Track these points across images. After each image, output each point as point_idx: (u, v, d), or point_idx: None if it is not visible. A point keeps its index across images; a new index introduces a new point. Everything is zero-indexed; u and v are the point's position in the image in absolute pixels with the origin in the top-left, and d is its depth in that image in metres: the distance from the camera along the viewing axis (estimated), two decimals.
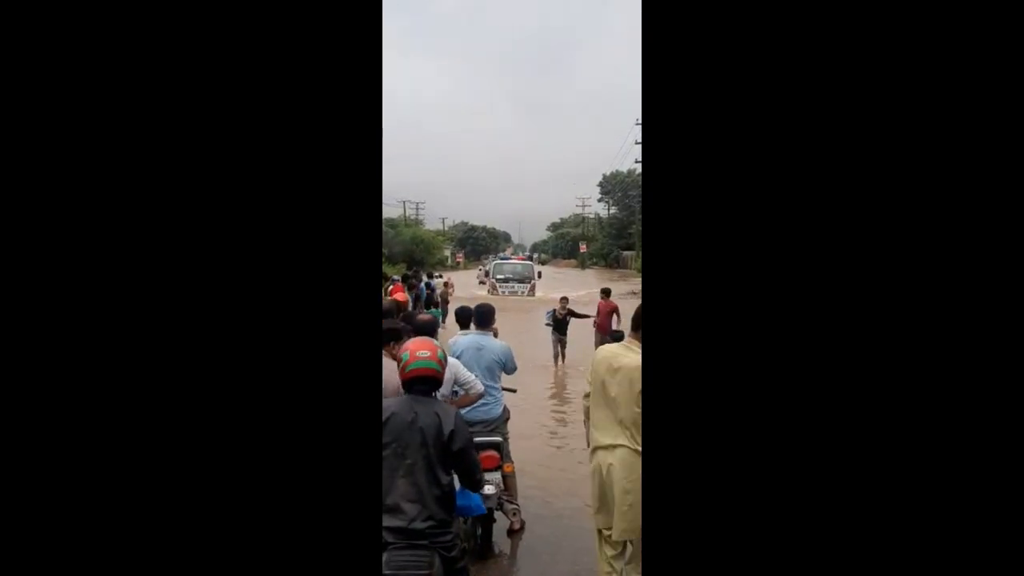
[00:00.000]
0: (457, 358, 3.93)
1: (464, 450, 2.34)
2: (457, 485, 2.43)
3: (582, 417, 7.18)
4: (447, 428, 2.29)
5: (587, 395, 2.73)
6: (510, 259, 30.16)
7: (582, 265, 48.61)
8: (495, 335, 4.36)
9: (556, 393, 8.63)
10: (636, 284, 27.21)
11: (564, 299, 10.43)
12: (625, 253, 45.66)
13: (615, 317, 9.74)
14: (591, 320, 10.10)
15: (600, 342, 9.48)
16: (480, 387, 3.53)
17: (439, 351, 2.49)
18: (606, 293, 10.40)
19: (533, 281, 25.21)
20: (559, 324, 9.96)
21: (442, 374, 2.49)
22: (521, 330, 12.68)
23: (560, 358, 10.06)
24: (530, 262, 28.75)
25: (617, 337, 8.88)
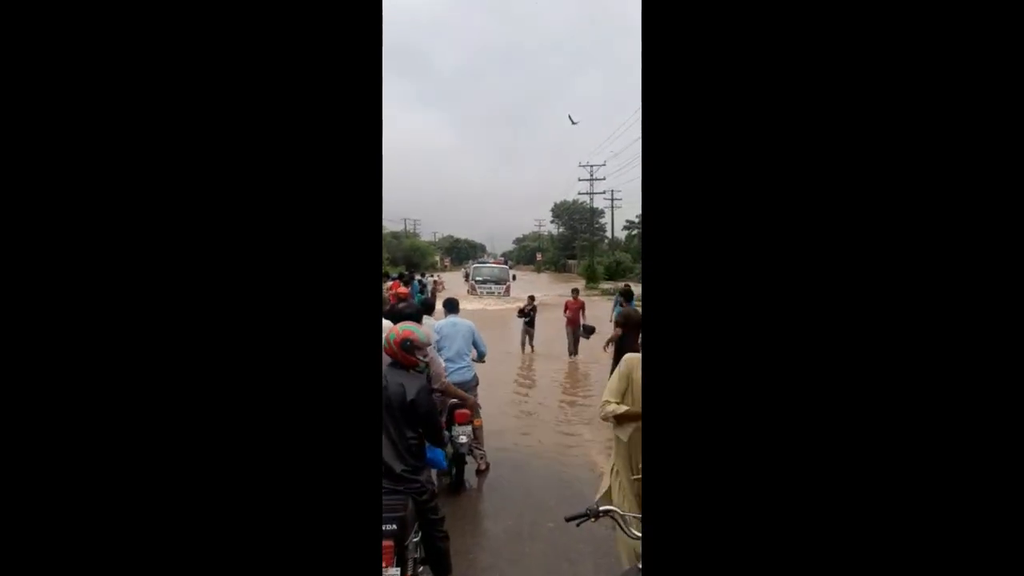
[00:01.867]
0: (438, 332, 4.09)
1: (425, 414, 2.25)
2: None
3: (540, 395, 6.67)
4: (408, 397, 2.21)
5: (608, 402, 2.11)
6: (488, 263, 26.37)
7: (538, 270, 48.65)
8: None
9: (521, 375, 8.16)
10: (580, 283, 27.48)
11: (531, 297, 10.21)
12: (570, 261, 46.17)
13: (582, 313, 9.24)
14: (563, 315, 9.46)
15: (571, 336, 9.09)
16: (441, 369, 3.49)
17: (418, 333, 2.39)
18: (575, 292, 9.93)
19: (508, 283, 22.04)
20: (528, 318, 9.69)
21: (418, 344, 2.33)
22: (496, 326, 12.55)
23: (528, 346, 9.67)
24: (506, 266, 24.79)
25: (589, 330, 8.61)
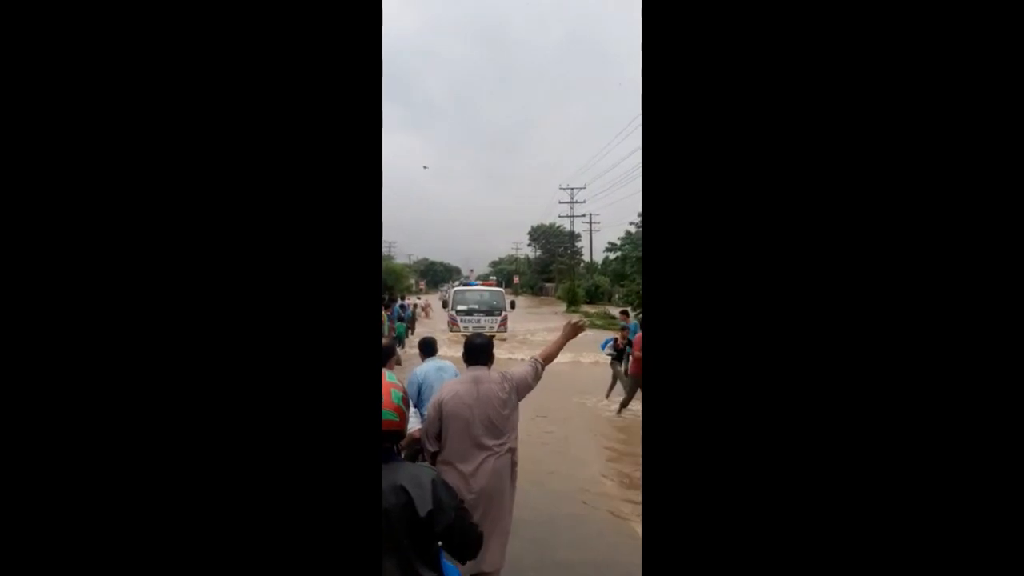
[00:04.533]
0: (419, 380, 3.15)
1: (453, 527, 1.27)
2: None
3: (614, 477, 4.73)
4: (423, 507, 1.23)
5: None
6: (475, 285, 17.33)
7: (516, 293, 48.30)
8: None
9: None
10: (560, 307, 26.94)
11: (626, 329, 7.61)
12: (547, 285, 46.06)
13: None
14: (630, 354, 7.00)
15: (634, 384, 6.55)
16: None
17: (393, 391, 1.38)
18: (639, 321, 7.41)
19: (504, 312, 14.95)
20: (620, 353, 7.24)
21: (403, 422, 1.39)
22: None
23: (612, 391, 7.17)
24: (500, 289, 16.47)
25: None
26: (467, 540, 1.33)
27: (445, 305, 16.33)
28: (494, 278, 22.43)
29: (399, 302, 12.73)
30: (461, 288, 16.45)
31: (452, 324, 14.48)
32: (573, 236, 40.90)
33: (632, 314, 9.99)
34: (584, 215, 36.14)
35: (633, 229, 23.93)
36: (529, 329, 16.82)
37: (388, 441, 1.36)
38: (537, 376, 2.28)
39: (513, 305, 15.96)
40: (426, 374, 3.13)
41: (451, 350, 8.31)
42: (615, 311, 10.93)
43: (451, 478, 1.96)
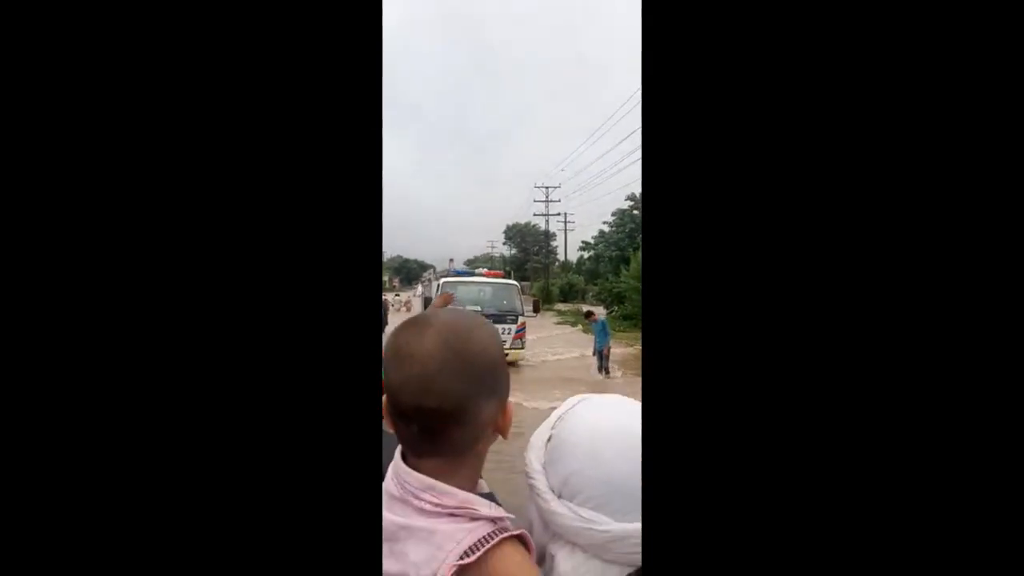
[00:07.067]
0: None
1: None
2: None
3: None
4: None
5: None
6: (475, 274, 11.30)
7: None
8: None
9: None
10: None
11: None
12: (522, 283, 46.50)
13: None
14: None
15: None
16: None
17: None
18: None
19: (522, 319, 9.63)
20: None
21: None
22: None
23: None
24: (513, 283, 10.91)
25: None
26: None
27: (427, 305, 9.82)
28: (485, 268, 15.61)
29: None
30: (452, 280, 10.38)
31: None
32: (548, 235, 41.19)
33: (604, 313, 9.96)
34: (559, 214, 36.40)
35: (607, 228, 24.16)
36: (541, 340, 12.18)
37: None
38: None
39: (536, 308, 10.69)
40: None
41: None
42: (588, 309, 10.94)
43: None
